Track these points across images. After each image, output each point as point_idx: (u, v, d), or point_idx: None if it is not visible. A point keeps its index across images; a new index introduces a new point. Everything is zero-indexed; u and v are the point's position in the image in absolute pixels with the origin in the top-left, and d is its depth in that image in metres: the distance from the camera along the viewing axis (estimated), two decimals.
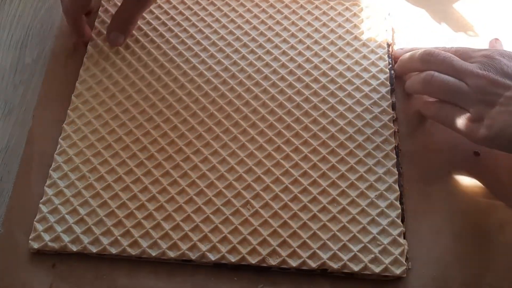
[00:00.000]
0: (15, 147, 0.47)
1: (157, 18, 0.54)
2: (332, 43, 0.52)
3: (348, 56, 0.51)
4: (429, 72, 0.45)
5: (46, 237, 0.42)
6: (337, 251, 0.41)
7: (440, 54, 0.45)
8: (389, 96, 0.49)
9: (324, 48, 0.52)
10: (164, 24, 0.53)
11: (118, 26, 0.51)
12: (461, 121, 0.43)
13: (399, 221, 0.42)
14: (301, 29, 0.53)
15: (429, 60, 0.46)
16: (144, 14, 0.53)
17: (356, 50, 0.51)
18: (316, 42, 0.52)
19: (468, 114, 0.43)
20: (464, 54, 0.45)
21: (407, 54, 0.49)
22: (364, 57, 0.51)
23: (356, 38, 0.52)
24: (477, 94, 0.42)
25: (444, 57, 0.45)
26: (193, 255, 0.41)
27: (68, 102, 0.49)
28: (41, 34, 0.54)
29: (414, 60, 0.47)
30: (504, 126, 0.40)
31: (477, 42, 0.53)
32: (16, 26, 0.55)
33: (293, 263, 0.41)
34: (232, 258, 0.41)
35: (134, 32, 0.53)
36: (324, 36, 0.52)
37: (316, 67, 0.50)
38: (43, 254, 0.42)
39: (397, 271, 0.40)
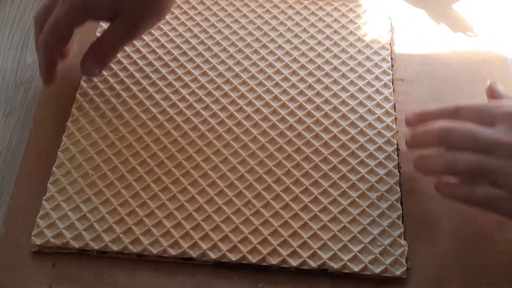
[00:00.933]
0: (16, 147, 0.48)
1: None
2: (335, 44, 0.52)
3: (351, 57, 0.51)
4: (451, 154, 0.39)
5: (49, 233, 0.42)
6: (337, 251, 0.41)
7: (459, 128, 0.39)
8: (391, 98, 0.49)
9: (327, 49, 0.52)
10: (168, 23, 0.54)
11: (96, 57, 0.46)
12: (498, 202, 0.38)
13: (399, 222, 0.42)
14: (304, 30, 0.53)
15: (447, 137, 0.40)
16: None
17: (359, 51, 0.52)
18: (319, 43, 0.52)
19: (504, 193, 0.37)
20: (483, 112, 0.39)
21: (419, 130, 0.43)
22: (367, 58, 0.51)
23: (359, 39, 0.52)
24: (511, 168, 0.36)
25: (464, 131, 0.39)
26: (194, 253, 0.41)
27: (70, 101, 0.49)
28: None
29: (429, 136, 0.41)
30: None
31: (478, 41, 0.53)
32: (17, 27, 0.55)
33: (294, 262, 0.41)
34: (233, 257, 0.41)
35: None
36: (327, 37, 0.52)
37: (319, 67, 0.51)
38: (43, 254, 0.42)
39: (397, 272, 0.40)
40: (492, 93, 0.44)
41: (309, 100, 0.48)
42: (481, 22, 0.54)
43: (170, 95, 0.49)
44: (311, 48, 0.52)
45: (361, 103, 0.48)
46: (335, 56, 0.51)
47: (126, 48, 0.52)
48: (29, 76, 0.52)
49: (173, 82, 0.50)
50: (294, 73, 0.50)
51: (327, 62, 0.51)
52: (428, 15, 0.55)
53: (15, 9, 0.56)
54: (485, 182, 0.38)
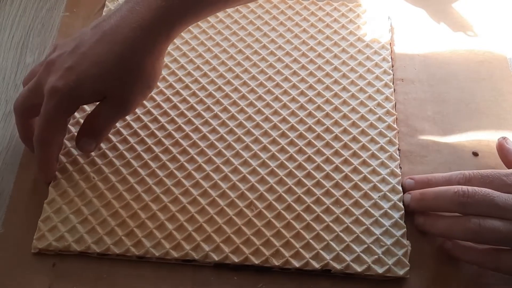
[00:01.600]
0: (16, 147, 0.47)
1: None
2: (335, 44, 0.52)
3: (352, 57, 0.51)
4: (474, 221, 0.38)
5: (50, 236, 0.42)
6: (340, 252, 0.41)
7: (477, 193, 0.38)
8: (392, 98, 0.49)
9: (327, 50, 0.52)
10: None
11: (89, 134, 0.44)
12: None
13: (402, 222, 0.42)
14: (304, 30, 0.53)
15: (466, 202, 0.38)
16: None
17: (359, 51, 0.52)
18: (319, 43, 0.52)
19: None
20: (494, 181, 0.39)
21: (429, 193, 0.41)
22: (368, 58, 0.51)
23: (359, 39, 0.52)
24: None
25: (482, 196, 0.38)
26: (196, 255, 0.41)
27: None
28: (42, 35, 0.54)
29: (443, 201, 0.40)
30: None
31: (478, 41, 0.53)
32: (17, 27, 0.55)
33: (297, 263, 0.41)
34: (236, 258, 0.41)
35: None
36: (327, 37, 0.52)
37: (319, 68, 0.51)
38: (43, 254, 0.42)
39: (400, 272, 0.40)
40: (503, 150, 0.44)
41: (310, 101, 0.48)
42: (481, 22, 0.54)
43: (170, 97, 0.49)
44: (311, 49, 0.52)
45: (362, 103, 0.48)
46: (335, 56, 0.51)
47: None
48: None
49: (174, 84, 0.50)
50: (294, 73, 0.50)
51: (327, 62, 0.51)
52: (428, 14, 0.55)
53: (15, 9, 0.56)
54: (510, 249, 0.38)
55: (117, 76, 0.41)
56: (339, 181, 0.44)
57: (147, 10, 0.40)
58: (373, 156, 0.45)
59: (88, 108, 0.48)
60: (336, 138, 0.46)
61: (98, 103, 0.43)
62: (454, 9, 0.55)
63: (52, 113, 0.41)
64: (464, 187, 0.39)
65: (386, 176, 0.44)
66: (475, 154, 0.46)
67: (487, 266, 0.39)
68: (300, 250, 0.41)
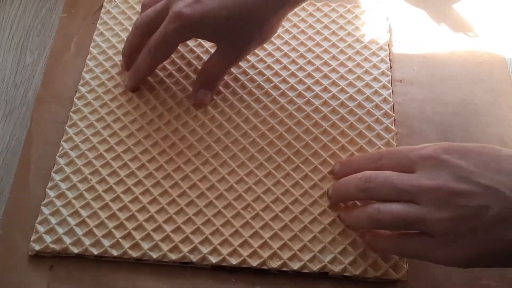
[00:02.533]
0: (16, 147, 0.48)
1: None
2: (333, 45, 0.52)
3: (350, 58, 0.51)
4: (374, 207, 0.37)
5: (48, 239, 0.42)
6: (337, 255, 0.41)
7: (378, 176, 0.37)
8: (390, 99, 0.49)
9: (325, 51, 0.52)
10: None
11: (205, 83, 0.47)
12: (429, 250, 0.35)
13: None
14: (302, 31, 0.53)
15: (367, 187, 0.38)
16: None
17: (357, 52, 0.51)
18: (317, 44, 0.52)
19: (433, 239, 0.35)
20: (400, 159, 0.38)
21: (341, 181, 0.41)
22: (366, 59, 0.51)
23: (357, 40, 0.52)
24: (434, 213, 0.34)
25: (382, 179, 0.37)
26: (194, 258, 0.41)
27: (68, 103, 0.49)
28: (41, 35, 0.54)
29: (351, 188, 0.39)
30: (483, 243, 0.34)
31: (477, 42, 0.53)
32: (17, 27, 0.55)
33: (294, 266, 0.41)
34: (233, 261, 0.41)
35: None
36: (325, 39, 0.52)
37: (317, 69, 0.50)
38: (40, 256, 0.42)
39: (398, 274, 0.40)
40: None
41: (308, 102, 0.48)
42: (480, 23, 0.54)
43: (168, 98, 0.49)
44: (309, 50, 0.52)
45: (360, 105, 0.48)
46: (334, 57, 0.51)
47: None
48: (29, 76, 0.52)
49: (172, 86, 0.50)
50: (292, 74, 0.50)
51: (325, 63, 0.51)
52: (427, 15, 0.55)
53: (15, 9, 0.56)
54: (411, 232, 0.37)
55: (241, 25, 0.43)
56: None
57: None
58: None
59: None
60: (334, 140, 0.46)
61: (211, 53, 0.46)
62: (454, 9, 0.55)
63: (169, 34, 0.43)
64: (368, 172, 0.38)
65: None
66: None
67: (392, 252, 0.39)
68: (298, 252, 0.41)
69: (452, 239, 0.34)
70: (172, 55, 0.51)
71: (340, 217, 0.42)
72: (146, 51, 0.46)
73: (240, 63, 0.50)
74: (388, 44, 0.52)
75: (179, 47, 0.51)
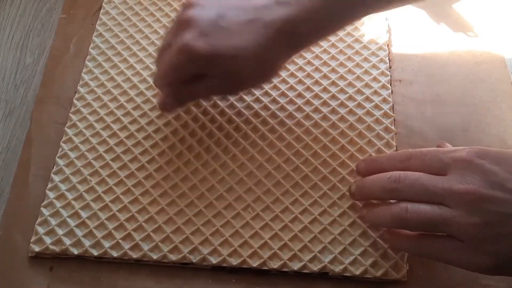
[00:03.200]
0: (16, 147, 0.48)
1: (159, 21, 0.54)
2: (333, 45, 0.52)
3: (349, 58, 0.51)
4: (402, 206, 0.36)
5: (47, 240, 0.42)
6: (338, 255, 0.41)
7: (408, 178, 0.37)
8: (390, 99, 0.49)
9: (325, 51, 0.51)
10: (165, 27, 0.53)
11: (179, 96, 0.44)
12: (455, 254, 0.35)
13: None
14: None
15: (395, 188, 0.37)
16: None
17: (357, 52, 0.51)
18: (316, 44, 0.52)
19: (460, 243, 0.35)
20: (433, 160, 0.37)
21: (367, 180, 0.40)
22: (365, 59, 0.51)
23: (357, 40, 0.52)
24: (464, 217, 0.34)
25: (412, 180, 0.36)
26: (194, 258, 0.41)
27: (67, 104, 0.49)
28: (41, 35, 0.54)
29: (378, 188, 0.39)
30: (511, 251, 0.33)
31: (477, 42, 0.53)
32: (17, 27, 0.55)
33: (294, 266, 0.41)
34: (233, 261, 0.41)
35: (135, 34, 0.53)
36: (324, 38, 0.52)
37: (317, 69, 0.50)
38: (40, 257, 0.42)
39: (398, 274, 0.40)
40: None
41: (308, 103, 0.48)
42: (479, 23, 0.54)
43: None
44: (308, 49, 0.51)
45: (359, 105, 0.48)
46: (333, 57, 0.51)
47: (122, 51, 0.52)
48: (28, 76, 0.52)
49: None
50: (292, 75, 0.50)
51: (324, 63, 0.51)
52: (427, 15, 0.55)
53: (15, 9, 0.56)
54: (439, 233, 0.36)
55: (246, 64, 0.40)
56: (337, 183, 0.44)
57: (305, 10, 0.39)
58: None
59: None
60: (334, 140, 0.46)
61: None
62: (453, 10, 0.55)
63: (174, 64, 0.41)
64: (397, 173, 0.38)
65: None
66: None
67: (413, 251, 0.39)
68: (298, 253, 0.41)
69: (480, 245, 0.34)
70: None
71: (361, 214, 0.42)
72: (154, 83, 0.45)
73: None
74: (388, 44, 0.52)
75: None
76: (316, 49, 0.51)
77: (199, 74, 0.41)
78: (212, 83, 0.42)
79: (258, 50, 0.39)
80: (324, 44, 0.52)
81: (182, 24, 0.40)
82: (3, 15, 0.56)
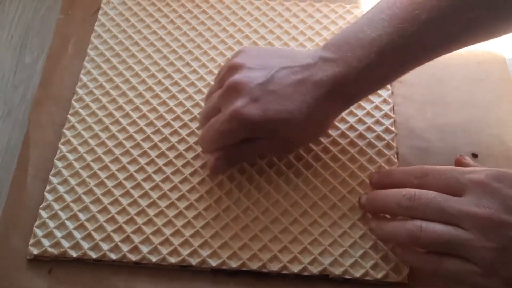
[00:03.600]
0: (15, 147, 0.47)
1: (158, 22, 0.54)
2: None
3: None
4: (416, 224, 0.36)
5: (46, 242, 0.41)
6: (338, 257, 0.41)
7: (422, 196, 0.36)
8: (390, 100, 0.48)
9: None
10: (164, 27, 0.53)
11: (232, 158, 0.43)
12: (470, 277, 0.34)
13: None
14: (302, 32, 0.53)
15: (410, 206, 0.37)
16: (144, 19, 0.54)
17: None
18: (317, 45, 0.52)
19: (475, 267, 0.34)
20: (450, 180, 0.36)
21: (380, 194, 0.40)
22: None
23: None
24: (481, 241, 0.33)
25: (428, 199, 0.36)
26: (193, 261, 0.41)
27: (65, 105, 0.49)
28: (40, 35, 0.54)
29: (391, 203, 0.38)
30: None
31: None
32: (16, 27, 0.55)
33: (294, 269, 0.40)
34: (233, 264, 0.41)
35: (133, 35, 0.52)
36: (325, 39, 0.52)
37: None
38: (39, 260, 0.41)
39: (399, 277, 0.40)
40: (460, 165, 0.42)
41: None
42: None
43: (167, 100, 0.48)
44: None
45: (359, 106, 0.48)
46: None
47: (120, 52, 0.51)
48: (28, 76, 0.52)
49: (170, 87, 0.49)
50: None
51: None
52: None
53: (14, 9, 0.56)
54: (452, 254, 0.35)
55: (299, 128, 0.40)
56: (337, 185, 0.44)
57: (353, 70, 0.39)
58: (370, 160, 0.45)
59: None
60: (334, 142, 0.46)
61: None
62: None
63: (226, 130, 0.40)
64: (412, 190, 0.37)
65: None
66: (475, 155, 0.46)
67: (426, 268, 0.37)
68: (298, 255, 0.41)
69: (495, 269, 0.33)
70: (176, 63, 0.51)
71: (370, 227, 0.41)
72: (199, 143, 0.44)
73: None
74: None
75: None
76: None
77: (249, 138, 0.41)
78: (263, 145, 0.41)
79: (309, 111, 0.39)
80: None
81: (231, 89, 0.40)
82: (2, 15, 0.56)
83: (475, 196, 0.35)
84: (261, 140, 0.41)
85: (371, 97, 0.48)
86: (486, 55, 0.52)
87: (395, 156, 0.45)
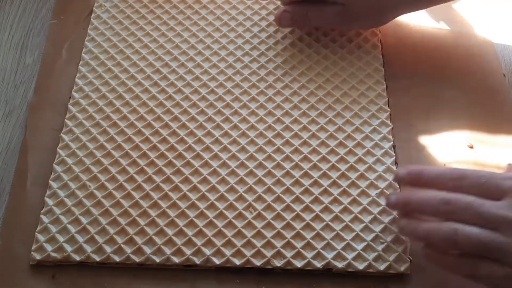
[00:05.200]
0: (15, 148, 0.47)
1: (151, 24, 0.54)
2: (327, 45, 0.52)
3: (342, 56, 0.51)
4: (452, 227, 0.36)
5: (48, 247, 0.41)
6: (341, 251, 0.41)
7: (460, 201, 0.36)
8: (384, 94, 0.49)
9: (323, 45, 0.52)
10: (158, 29, 0.53)
11: (299, 15, 0.50)
12: (505, 281, 0.34)
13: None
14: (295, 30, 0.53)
15: (446, 210, 0.36)
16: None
17: (349, 51, 0.52)
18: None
19: None
20: (489, 185, 0.36)
21: (414, 197, 0.40)
22: (359, 57, 0.51)
23: (350, 39, 0.52)
24: None
25: (465, 204, 0.36)
26: (197, 260, 0.41)
27: (62, 110, 0.48)
28: (41, 35, 0.54)
29: (424, 206, 0.38)
30: None
31: (476, 41, 0.53)
32: (16, 27, 0.54)
33: (298, 263, 0.41)
34: (237, 261, 0.41)
35: (127, 38, 0.52)
36: (317, 39, 0.53)
37: (311, 67, 0.51)
38: (42, 265, 0.41)
39: (401, 268, 0.40)
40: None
41: (304, 100, 0.49)
42: (480, 22, 0.54)
43: (164, 101, 0.48)
44: (310, 52, 0.52)
45: (355, 101, 0.48)
46: (326, 56, 0.51)
47: (115, 55, 0.51)
48: (28, 76, 0.51)
49: (166, 88, 0.49)
50: (286, 73, 0.50)
51: (318, 61, 0.51)
52: (427, 14, 0.55)
53: (15, 9, 0.56)
54: (488, 258, 0.35)
55: (362, 4, 0.48)
56: (336, 179, 0.44)
57: None
58: (368, 153, 0.46)
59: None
60: (331, 136, 0.46)
61: None
62: (454, 9, 0.55)
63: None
64: (448, 195, 0.37)
65: (382, 173, 0.45)
66: (471, 146, 0.47)
67: (462, 272, 0.37)
68: (301, 250, 0.41)
69: None
70: (171, 64, 0.51)
71: (399, 225, 0.41)
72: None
73: (242, 70, 0.51)
74: (380, 40, 0.52)
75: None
76: (312, 47, 0.52)
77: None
78: (328, 12, 0.48)
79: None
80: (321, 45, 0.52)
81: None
82: (3, 15, 0.55)
83: None
84: (329, 6, 0.47)
85: (366, 92, 0.49)
86: (485, 55, 0.52)
87: (392, 149, 0.46)
